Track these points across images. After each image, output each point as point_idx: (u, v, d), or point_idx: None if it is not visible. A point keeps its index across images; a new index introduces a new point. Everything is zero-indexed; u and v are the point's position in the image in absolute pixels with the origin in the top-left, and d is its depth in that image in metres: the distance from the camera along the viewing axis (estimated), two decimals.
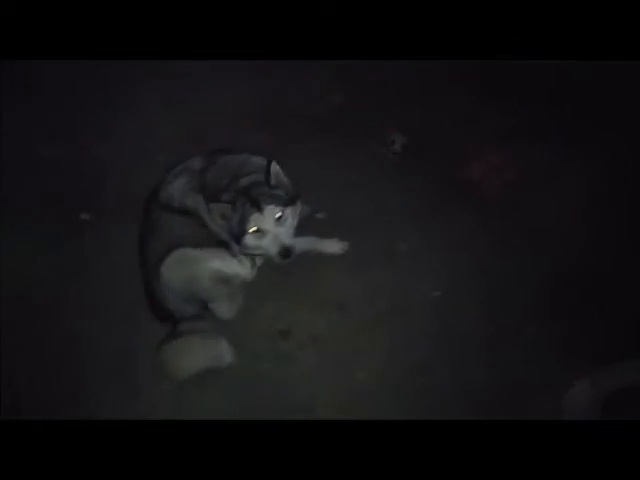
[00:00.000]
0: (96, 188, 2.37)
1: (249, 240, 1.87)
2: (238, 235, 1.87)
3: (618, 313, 1.98)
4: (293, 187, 1.94)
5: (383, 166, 2.46)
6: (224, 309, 2.05)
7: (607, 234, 2.16)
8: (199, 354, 1.97)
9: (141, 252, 2.00)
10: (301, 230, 2.07)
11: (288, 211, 1.87)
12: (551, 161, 2.33)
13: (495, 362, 1.97)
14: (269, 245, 1.86)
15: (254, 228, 1.84)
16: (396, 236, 2.26)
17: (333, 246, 2.20)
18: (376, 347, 2.05)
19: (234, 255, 1.98)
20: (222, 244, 1.98)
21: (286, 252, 1.85)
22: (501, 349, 2.00)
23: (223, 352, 1.98)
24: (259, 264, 2.10)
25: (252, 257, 2.05)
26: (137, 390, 1.98)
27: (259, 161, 1.95)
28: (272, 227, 1.85)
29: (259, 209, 1.82)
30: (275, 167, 1.88)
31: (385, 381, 1.98)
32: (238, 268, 2.02)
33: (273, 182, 1.87)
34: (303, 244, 2.12)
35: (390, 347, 2.04)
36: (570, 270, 2.10)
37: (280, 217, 1.85)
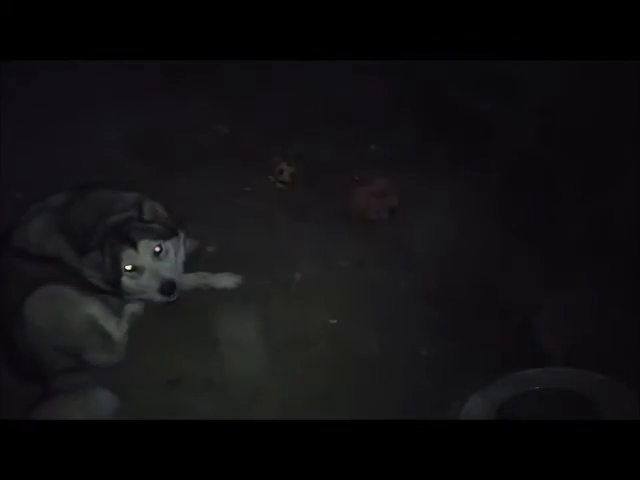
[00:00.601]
0: None
1: (127, 282, 1.71)
2: (114, 280, 1.70)
3: (505, 328, 2.07)
4: (173, 218, 1.82)
5: (273, 196, 2.44)
6: (102, 358, 1.85)
7: (489, 250, 2.28)
8: (75, 413, 1.73)
9: None
10: (190, 266, 1.97)
11: (168, 244, 1.75)
12: (430, 185, 2.45)
13: (393, 384, 1.97)
14: (148, 283, 1.71)
15: (129, 267, 1.69)
16: (290, 266, 2.22)
17: (226, 280, 2.09)
18: (276, 381, 1.96)
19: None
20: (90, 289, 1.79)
21: (168, 287, 1.70)
22: (398, 371, 2.02)
23: (104, 405, 1.77)
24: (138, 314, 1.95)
25: (128, 321, 1.90)
26: None
27: (132, 197, 1.80)
28: (149, 263, 1.70)
29: (132, 245, 1.67)
30: (148, 204, 1.75)
31: (285, 416, 1.90)
32: (114, 328, 1.85)
33: (147, 217, 1.73)
34: (193, 280, 2.01)
35: (290, 380, 1.97)
36: (458, 289, 2.19)
37: (159, 252, 1.72)
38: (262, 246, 2.27)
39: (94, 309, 1.79)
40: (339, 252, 2.27)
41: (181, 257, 1.81)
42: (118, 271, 1.68)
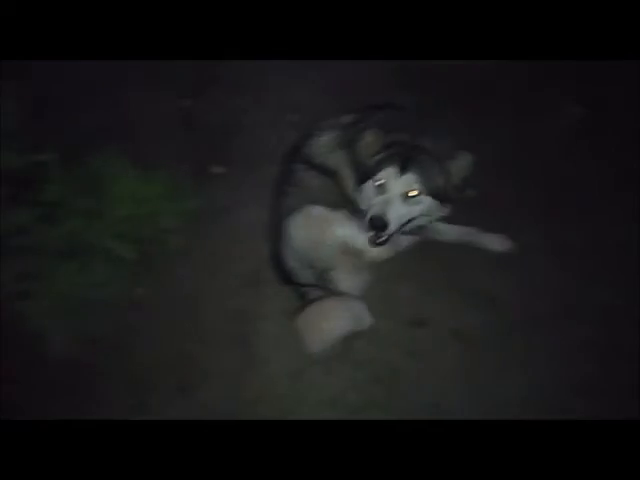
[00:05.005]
0: (230, 142, 2.21)
1: (367, 188, 1.61)
2: (362, 176, 1.62)
3: None
4: (460, 188, 1.60)
5: (552, 141, 2.08)
6: (345, 281, 1.79)
7: None
8: (342, 315, 1.72)
9: (273, 207, 1.83)
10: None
11: (428, 201, 1.57)
12: None
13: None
14: (373, 205, 1.56)
15: (381, 181, 1.56)
16: (565, 227, 1.88)
17: (497, 243, 1.86)
18: (528, 355, 1.72)
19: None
20: (357, 213, 1.74)
21: (379, 223, 1.53)
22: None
23: (364, 313, 1.75)
24: (401, 248, 1.83)
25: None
26: (253, 360, 1.81)
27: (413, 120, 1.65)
28: (394, 193, 1.55)
29: (402, 168, 1.53)
30: (464, 162, 1.55)
31: (532, 397, 1.66)
32: (365, 245, 1.74)
33: (454, 179, 1.56)
34: (457, 234, 1.85)
35: (545, 358, 1.71)
36: None
37: (413, 197, 1.55)
38: (533, 198, 1.96)
39: (347, 231, 1.73)
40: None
41: (417, 221, 1.63)
42: (372, 173, 1.57)
